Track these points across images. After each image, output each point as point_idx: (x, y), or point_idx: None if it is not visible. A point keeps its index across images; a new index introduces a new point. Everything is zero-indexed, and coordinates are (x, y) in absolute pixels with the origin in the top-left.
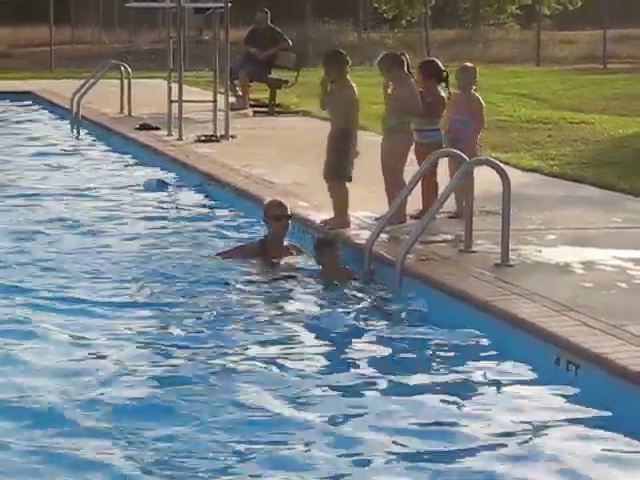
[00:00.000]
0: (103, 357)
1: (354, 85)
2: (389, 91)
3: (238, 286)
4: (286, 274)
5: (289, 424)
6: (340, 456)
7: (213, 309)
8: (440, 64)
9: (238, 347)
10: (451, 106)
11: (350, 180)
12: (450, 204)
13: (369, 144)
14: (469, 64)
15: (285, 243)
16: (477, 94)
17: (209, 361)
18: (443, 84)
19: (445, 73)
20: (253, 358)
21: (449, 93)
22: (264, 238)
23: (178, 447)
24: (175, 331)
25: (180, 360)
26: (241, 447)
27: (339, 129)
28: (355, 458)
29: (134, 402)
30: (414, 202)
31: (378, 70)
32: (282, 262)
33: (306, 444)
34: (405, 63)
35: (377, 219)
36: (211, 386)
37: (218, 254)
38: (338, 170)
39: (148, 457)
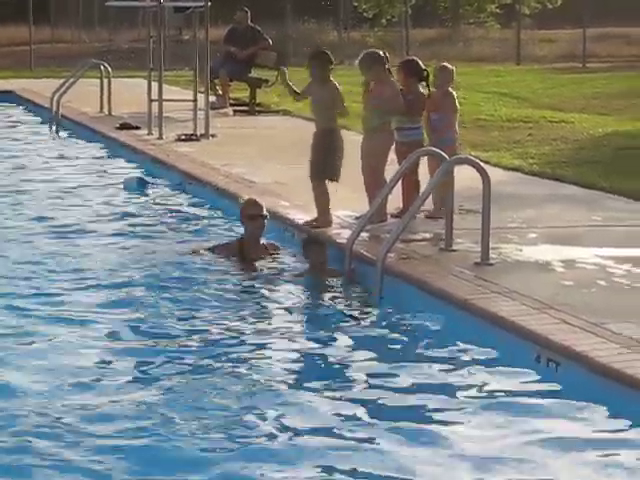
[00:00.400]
0: (81, 356)
1: (337, 84)
2: (371, 89)
3: (217, 285)
4: (267, 273)
5: (270, 425)
6: (321, 461)
7: (192, 308)
8: (421, 63)
9: (218, 348)
10: (430, 105)
11: (336, 180)
12: (429, 203)
13: (352, 143)
14: (447, 64)
15: (262, 242)
16: (453, 92)
17: (187, 360)
18: (424, 83)
19: (425, 72)
20: (235, 359)
21: (429, 92)
22: (241, 237)
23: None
24: (154, 329)
25: (160, 359)
26: (214, 450)
27: (323, 129)
28: (335, 461)
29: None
30: (394, 201)
31: (359, 69)
32: (261, 261)
33: (283, 446)
34: (386, 61)
35: (357, 218)
36: (190, 385)
37: (194, 251)
38: (322, 169)
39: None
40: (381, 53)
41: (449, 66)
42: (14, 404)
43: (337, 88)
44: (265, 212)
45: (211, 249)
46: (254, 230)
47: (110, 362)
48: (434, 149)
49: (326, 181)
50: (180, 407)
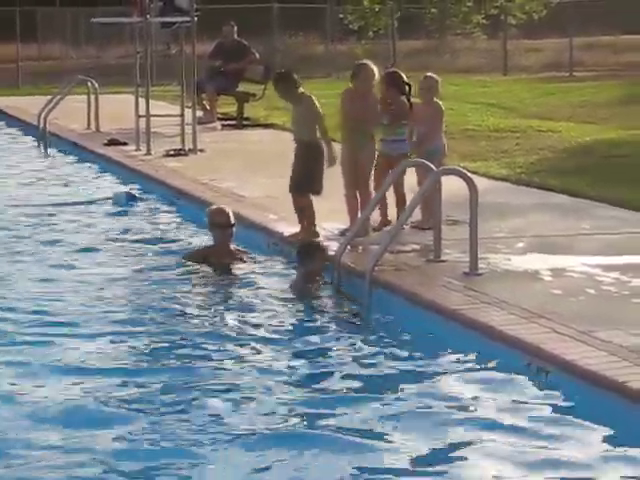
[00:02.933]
0: (66, 372)
1: (314, 98)
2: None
3: (201, 295)
4: (251, 282)
5: (257, 437)
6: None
7: (176, 319)
8: (403, 76)
9: (202, 359)
10: (416, 118)
11: (319, 193)
12: (416, 214)
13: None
14: (431, 74)
15: (232, 247)
16: (439, 102)
17: (172, 371)
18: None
19: (407, 85)
20: (219, 369)
21: (410, 104)
22: (211, 246)
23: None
24: (141, 342)
25: (147, 368)
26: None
27: (303, 142)
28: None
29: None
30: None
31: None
32: (240, 270)
33: (268, 459)
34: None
35: (342, 232)
36: (176, 397)
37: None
38: (303, 182)
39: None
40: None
41: (433, 76)
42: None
43: (313, 103)
44: (233, 220)
45: (184, 257)
46: (223, 238)
47: (96, 370)
48: (421, 160)
49: (310, 195)
50: (164, 419)
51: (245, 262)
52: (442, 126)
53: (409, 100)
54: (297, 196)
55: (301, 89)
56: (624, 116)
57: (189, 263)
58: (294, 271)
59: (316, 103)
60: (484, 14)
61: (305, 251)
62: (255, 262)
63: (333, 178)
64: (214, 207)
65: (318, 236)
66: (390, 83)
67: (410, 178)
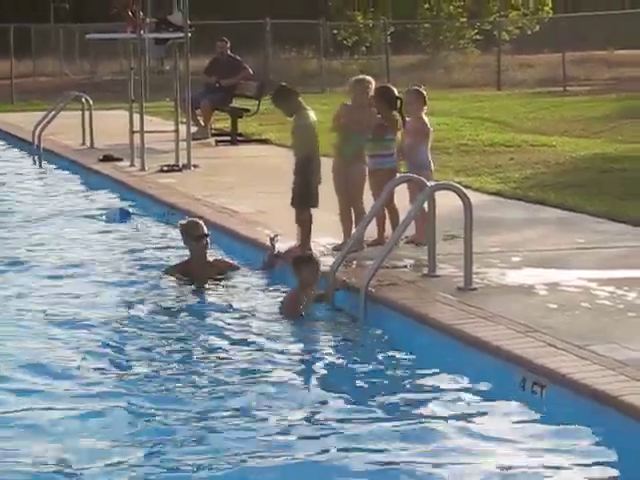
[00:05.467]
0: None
1: (311, 112)
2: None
3: (190, 310)
4: (242, 296)
5: (249, 453)
6: None
7: (170, 335)
8: (394, 91)
9: (197, 369)
10: (405, 133)
11: (316, 206)
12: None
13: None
14: (415, 87)
15: (210, 259)
16: (424, 117)
17: (168, 383)
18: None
19: (398, 100)
20: (214, 381)
21: (403, 119)
22: (188, 259)
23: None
24: (134, 355)
25: (143, 378)
26: None
27: (300, 157)
28: None
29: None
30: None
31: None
32: (218, 281)
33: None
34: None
35: (336, 247)
36: (174, 412)
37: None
38: (302, 198)
39: None
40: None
41: (417, 89)
42: None
43: (308, 124)
44: (207, 231)
45: (165, 272)
46: (200, 250)
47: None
48: (414, 176)
49: (310, 209)
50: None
51: (226, 274)
52: (426, 140)
53: (401, 114)
54: (299, 210)
55: (300, 102)
56: (618, 130)
57: (170, 278)
58: (284, 286)
59: (312, 119)
60: (477, 29)
61: (300, 262)
62: (240, 275)
63: (323, 192)
64: (185, 220)
65: (311, 250)
66: (380, 98)
67: (402, 193)
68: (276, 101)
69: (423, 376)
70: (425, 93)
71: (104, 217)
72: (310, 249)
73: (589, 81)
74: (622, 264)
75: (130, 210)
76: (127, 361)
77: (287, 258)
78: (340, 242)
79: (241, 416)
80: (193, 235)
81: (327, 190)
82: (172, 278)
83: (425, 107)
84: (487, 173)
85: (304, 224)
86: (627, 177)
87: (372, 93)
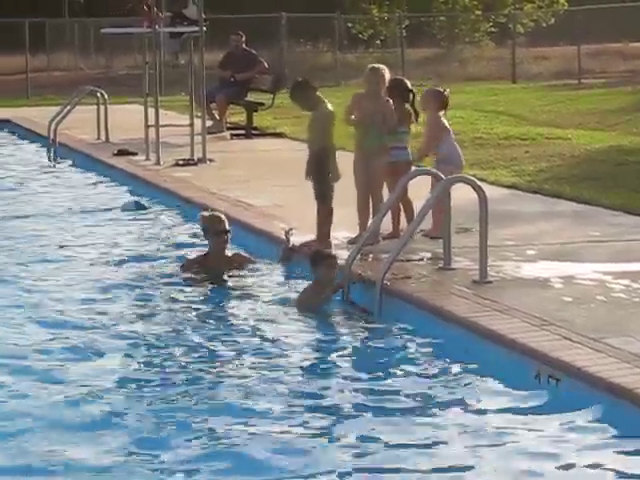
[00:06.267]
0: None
1: (329, 106)
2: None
3: (202, 305)
4: (255, 290)
5: (263, 446)
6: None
7: (172, 332)
8: (407, 83)
9: (211, 369)
10: (425, 130)
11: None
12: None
13: (349, 163)
14: (441, 89)
15: (229, 254)
16: (438, 119)
17: (183, 375)
18: (407, 104)
19: (411, 93)
20: (223, 378)
21: (415, 112)
22: (207, 253)
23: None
24: (149, 349)
25: (157, 373)
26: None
27: (316, 150)
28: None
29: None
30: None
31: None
32: (236, 276)
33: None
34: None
35: (351, 240)
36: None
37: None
38: (322, 193)
39: None
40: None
41: (428, 88)
42: None
43: (325, 114)
44: (228, 226)
45: (181, 267)
46: (219, 245)
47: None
48: (430, 169)
49: (331, 202)
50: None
51: (243, 269)
52: (443, 136)
53: (414, 108)
54: (321, 204)
55: (318, 97)
56: (633, 123)
57: (187, 273)
58: (300, 280)
59: (328, 117)
60: (492, 22)
61: (317, 258)
62: (257, 269)
63: (339, 186)
64: (208, 213)
65: (331, 246)
66: (393, 90)
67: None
68: (294, 96)
69: (438, 369)
70: (446, 96)
71: (119, 210)
72: (330, 245)
73: (604, 74)
74: (638, 257)
75: (145, 203)
76: (142, 355)
77: (303, 252)
78: (355, 235)
79: (252, 407)
80: (215, 230)
81: (344, 184)
82: (189, 272)
83: (441, 109)
84: (502, 166)
85: (327, 217)
86: None
87: (387, 82)
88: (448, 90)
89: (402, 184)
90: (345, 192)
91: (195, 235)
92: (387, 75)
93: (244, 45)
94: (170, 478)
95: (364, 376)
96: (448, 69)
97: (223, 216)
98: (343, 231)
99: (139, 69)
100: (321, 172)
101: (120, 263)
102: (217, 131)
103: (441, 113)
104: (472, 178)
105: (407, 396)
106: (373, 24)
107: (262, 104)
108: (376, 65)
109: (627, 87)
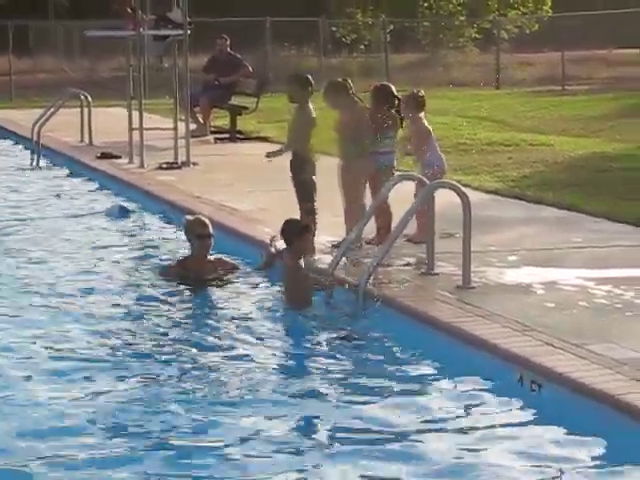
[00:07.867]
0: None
1: (312, 109)
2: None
3: (186, 308)
4: (237, 293)
5: (247, 450)
6: None
7: (166, 335)
8: (392, 89)
9: (192, 371)
10: (407, 134)
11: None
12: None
13: (332, 169)
14: (414, 91)
15: (211, 258)
16: (422, 122)
17: (169, 381)
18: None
19: (396, 99)
20: (207, 378)
21: (401, 117)
22: (188, 257)
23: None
24: (129, 353)
25: (144, 377)
26: None
27: (296, 152)
28: None
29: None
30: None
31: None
32: (218, 281)
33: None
34: (349, 88)
35: (334, 245)
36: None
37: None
38: (304, 197)
39: None
40: (342, 81)
41: (413, 92)
42: None
43: (310, 115)
44: (212, 231)
45: (161, 272)
46: (202, 249)
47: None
48: (413, 174)
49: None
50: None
51: (225, 273)
52: (426, 141)
53: (399, 113)
54: (303, 207)
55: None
56: (617, 130)
57: (168, 276)
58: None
59: (311, 119)
60: (477, 28)
61: (291, 228)
62: (239, 274)
63: (323, 192)
64: (193, 217)
65: (314, 251)
66: (378, 96)
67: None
68: (292, 84)
69: (421, 374)
70: (421, 96)
71: (103, 213)
72: (313, 249)
73: (588, 80)
74: (619, 263)
75: (129, 207)
76: (124, 360)
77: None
78: (339, 240)
79: (237, 414)
80: (198, 233)
81: (327, 190)
82: (169, 276)
83: (421, 111)
84: (486, 172)
85: (309, 213)
86: (625, 176)
87: (350, 90)
88: (422, 91)
89: (387, 189)
90: (327, 197)
91: (178, 239)
92: (346, 84)
93: (229, 49)
94: (158, 477)
95: (347, 382)
96: (432, 74)
97: (207, 220)
98: (326, 236)
99: (123, 72)
100: (302, 172)
101: (101, 267)
102: (201, 135)
103: (422, 114)
104: (456, 183)
105: (388, 401)
106: (357, 29)
107: (246, 108)
108: (329, 80)
109: (610, 94)
